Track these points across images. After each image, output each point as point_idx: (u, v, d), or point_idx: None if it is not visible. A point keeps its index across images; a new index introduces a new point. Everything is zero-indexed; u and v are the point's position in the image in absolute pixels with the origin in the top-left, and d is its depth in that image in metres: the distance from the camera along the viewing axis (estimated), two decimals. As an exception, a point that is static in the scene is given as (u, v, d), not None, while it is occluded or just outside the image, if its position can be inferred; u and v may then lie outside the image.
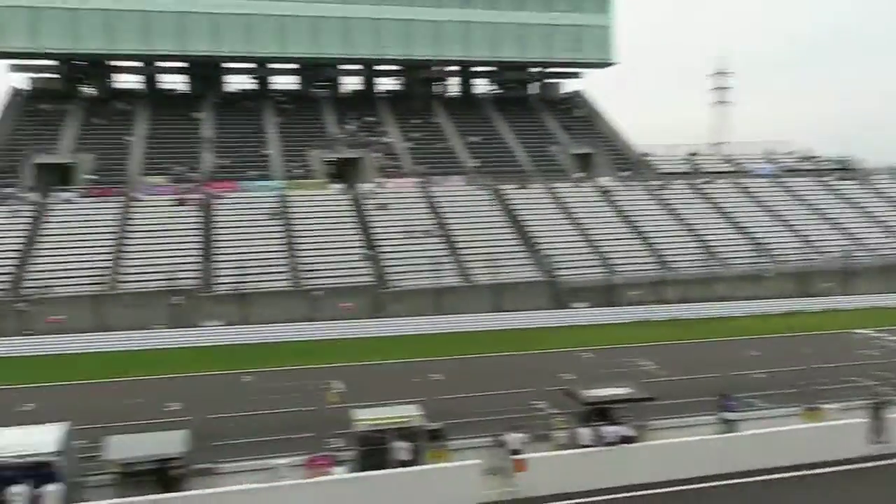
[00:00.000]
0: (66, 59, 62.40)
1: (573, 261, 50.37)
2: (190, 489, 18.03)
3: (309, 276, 45.71)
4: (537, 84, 75.90)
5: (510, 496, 18.70)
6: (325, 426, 22.47)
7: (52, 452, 17.25)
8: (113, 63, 65.36)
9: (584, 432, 20.21)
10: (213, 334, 40.21)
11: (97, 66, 64.54)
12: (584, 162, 64.65)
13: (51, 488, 16.85)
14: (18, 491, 16.67)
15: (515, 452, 19.38)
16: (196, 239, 48.50)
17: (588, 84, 77.69)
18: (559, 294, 47.67)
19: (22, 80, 64.01)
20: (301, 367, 32.93)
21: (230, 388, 29.85)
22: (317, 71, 69.46)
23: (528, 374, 30.56)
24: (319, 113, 66.72)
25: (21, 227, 47.74)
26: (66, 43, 59.10)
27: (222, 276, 44.96)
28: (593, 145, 66.18)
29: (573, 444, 20.34)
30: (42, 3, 57.97)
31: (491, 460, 19.45)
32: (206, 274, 45.25)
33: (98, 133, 59.30)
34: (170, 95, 67.89)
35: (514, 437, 19.82)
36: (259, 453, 20.29)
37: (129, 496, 17.24)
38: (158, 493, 17.56)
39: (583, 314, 45.14)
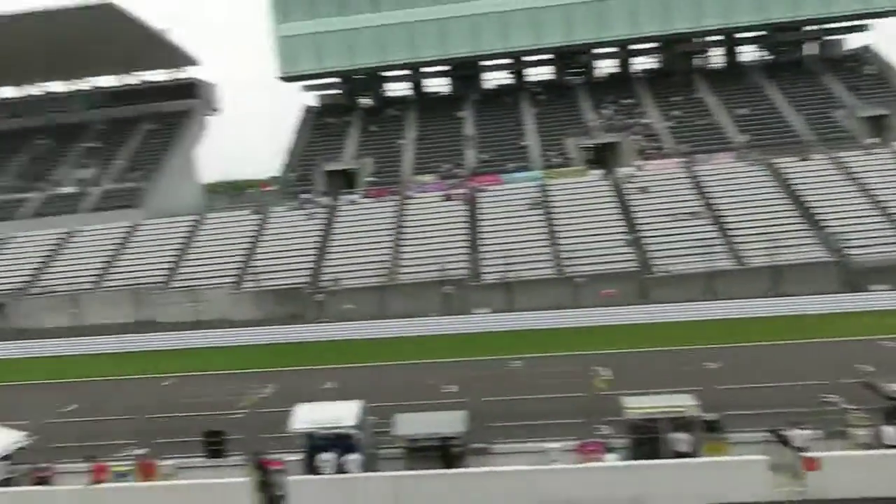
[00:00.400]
0: (346, 76, 69.42)
1: (868, 238, 44.59)
2: (468, 466, 19.17)
3: (571, 263, 45.94)
4: (814, 43, 68.27)
5: (798, 496, 17.19)
6: (594, 412, 22.48)
7: (353, 426, 19.45)
8: (385, 74, 71.27)
9: (890, 431, 17.96)
10: (481, 321, 42.12)
11: (372, 79, 70.82)
12: (878, 125, 56.79)
13: (352, 457, 19.03)
14: (327, 458, 19.12)
15: (801, 449, 17.77)
16: (463, 231, 51.18)
17: (879, 36, 67.83)
18: (851, 275, 42.55)
19: (312, 98, 72.54)
20: (567, 353, 33.25)
21: (500, 372, 31.09)
22: (571, 58, 69.41)
23: (816, 365, 27.81)
24: (575, 100, 66.59)
25: (316, 227, 54.15)
26: (345, 61, 65.95)
27: (488, 266, 46.93)
28: (888, 105, 57.91)
29: (877, 443, 18.16)
30: (323, 29, 65.16)
31: (777, 457, 18.05)
32: (473, 264, 47.59)
33: (375, 139, 65.16)
34: (434, 98, 72.31)
35: (799, 434, 18.19)
36: (530, 436, 20.90)
37: (415, 469, 18.84)
38: (441, 469, 18.94)
39: (883, 298, 39.66)
